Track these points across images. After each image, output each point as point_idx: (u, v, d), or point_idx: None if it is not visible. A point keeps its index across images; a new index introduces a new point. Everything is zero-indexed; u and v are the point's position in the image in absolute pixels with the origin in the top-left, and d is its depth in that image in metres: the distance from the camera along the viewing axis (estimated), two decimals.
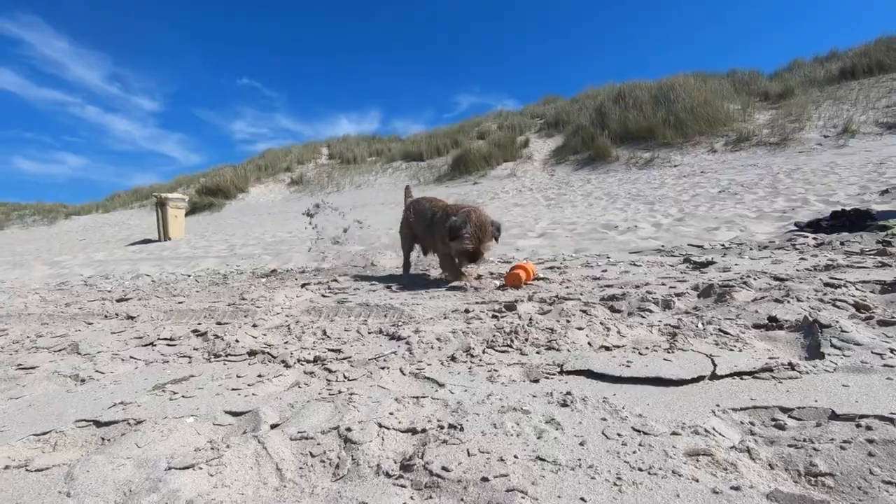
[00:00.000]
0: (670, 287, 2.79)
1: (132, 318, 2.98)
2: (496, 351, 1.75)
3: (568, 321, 2.01)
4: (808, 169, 11.19)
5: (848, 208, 5.08)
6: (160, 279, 4.97)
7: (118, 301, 3.68)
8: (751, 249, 3.95)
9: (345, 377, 1.59)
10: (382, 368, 1.65)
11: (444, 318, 2.44)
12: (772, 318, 1.94)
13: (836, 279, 2.56)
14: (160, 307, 3.25)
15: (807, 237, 4.10)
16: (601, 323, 1.97)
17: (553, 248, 5.12)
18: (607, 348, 1.67)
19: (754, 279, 2.72)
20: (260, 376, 1.69)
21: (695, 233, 5.62)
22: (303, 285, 3.83)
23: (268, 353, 1.90)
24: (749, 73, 18.69)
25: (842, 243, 3.80)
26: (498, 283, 3.27)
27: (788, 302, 2.08)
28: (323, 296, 3.37)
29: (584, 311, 2.38)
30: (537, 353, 1.72)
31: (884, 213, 4.91)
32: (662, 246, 4.50)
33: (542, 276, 3.42)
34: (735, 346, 1.58)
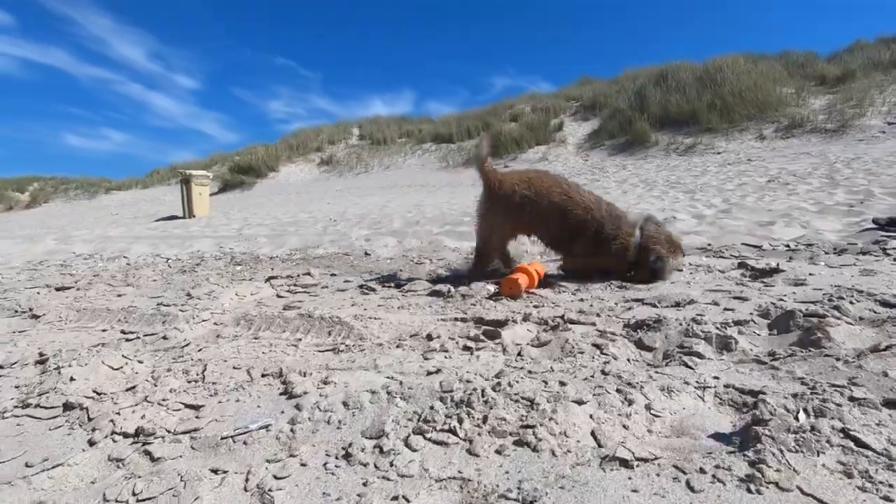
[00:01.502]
0: (725, 309, 1.92)
1: (36, 317, 2.34)
2: (428, 440, 0.97)
3: (562, 385, 1.17)
4: (870, 158, 9.76)
5: None
6: (135, 262, 4.39)
7: (57, 290, 3.08)
8: (826, 253, 2.99)
9: (133, 495, 0.85)
10: (216, 472, 0.91)
11: (398, 345, 1.67)
12: None
13: None
14: (80, 304, 2.61)
15: None
16: (618, 389, 1.14)
17: None
18: (625, 463, 0.87)
19: (850, 302, 1.82)
20: (28, 466, 0.98)
21: (746, 227, 4.62)
22: (268, 279, 3.13)
23: (87, 409, 1.20)
24: (804, 55, 16.75)
25: None
26: (492, 289, 2.46)
27: None
28: (278, 296, 2.66)
29: (597, 347, 1.56)
30: (497, 451, 0.93)
31: None
32: (709, 244, 3.56)
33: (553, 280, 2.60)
34: (887, 486, 0.76)
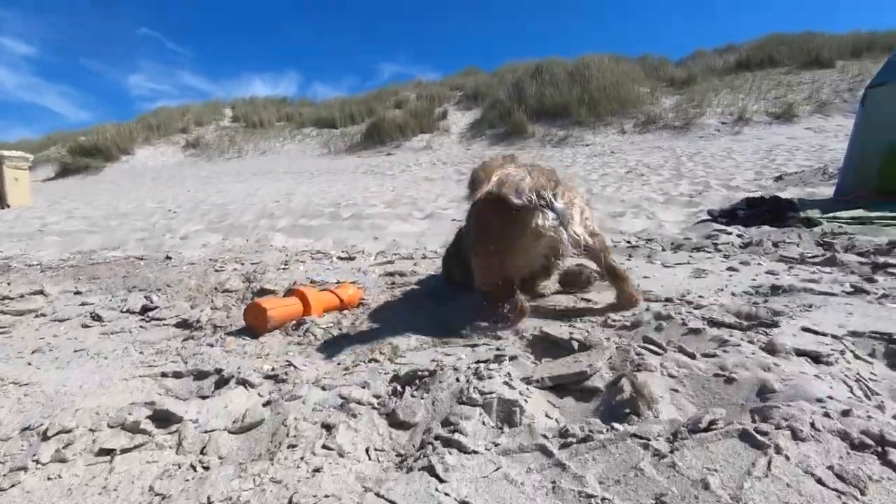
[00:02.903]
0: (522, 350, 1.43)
1: None
2: None
3: None
4: (708, 153, 10.65)
5: (766, 195, 4.08)
6: None
7: None
8: (663, 250, 2.74)
9: None
10: None
11: None
12: None
13: (815, 332, 1.32)
14: None
15: (730, 234, 2.96)
16: None
17: (421, 239, 3.71)
18: None
19: (678, 327, 1.43)
20: None
21: (598, 218, 4.42)
22: None
23: None
24: (658, 59, 18.13)
25: (775, 245, 2.67)
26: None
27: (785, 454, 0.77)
28: None
29: (326, 430, 0.97)
30: None
31: (803, 203, 3.94)
32: None
33: (343, 307, 1.94)
34: None
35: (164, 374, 1.29)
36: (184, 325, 1.74)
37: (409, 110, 15.81)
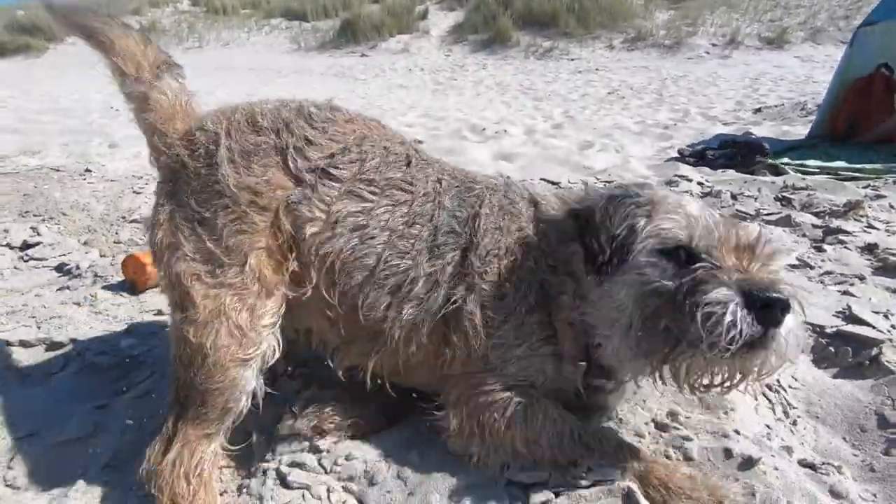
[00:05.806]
0: None
1: None
2: None
3: None
4: (694, 77, 10.10)
5: (738, 138, 3.85)
6: None
7: None
8: None
9: None
10: None
11: None
12: None
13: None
14: None
15: (691, 181, 2.77)
16: None
17: None
18: None
19: None
20: None
21: (566, 149, 4.17)
22: None
23: None
24: None
25: (733, 196, 2.50)
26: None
27: None
28: None
29: None
30: None
31: (772, 144, 3.73)
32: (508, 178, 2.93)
33: None
34: None
35: (8, 343, 1.09)
36: (62, 270, 1.50)
37: (388, 7, 14.26)
